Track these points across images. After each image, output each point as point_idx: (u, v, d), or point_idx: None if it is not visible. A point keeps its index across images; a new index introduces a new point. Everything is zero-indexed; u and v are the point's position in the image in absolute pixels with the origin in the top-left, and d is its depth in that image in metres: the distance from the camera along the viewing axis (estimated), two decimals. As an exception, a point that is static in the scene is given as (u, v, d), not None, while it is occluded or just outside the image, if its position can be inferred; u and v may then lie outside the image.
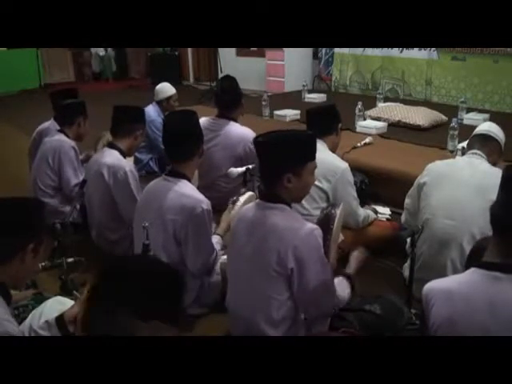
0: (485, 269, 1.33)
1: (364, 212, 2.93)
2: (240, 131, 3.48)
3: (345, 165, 2.80)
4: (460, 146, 3.43)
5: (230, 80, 3.58)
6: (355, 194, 2.85)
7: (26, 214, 1.53)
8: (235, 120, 3.55)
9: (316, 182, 2.35)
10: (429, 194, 2.48)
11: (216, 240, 2.57)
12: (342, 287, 2.11)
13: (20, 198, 1.56)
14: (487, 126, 2.60)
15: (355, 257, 2.30)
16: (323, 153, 2.41)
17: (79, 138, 3.59)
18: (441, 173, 2.51)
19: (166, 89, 4.54)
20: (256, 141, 2.00)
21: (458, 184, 2.40)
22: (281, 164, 1.92)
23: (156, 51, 9.72)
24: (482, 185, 2.25)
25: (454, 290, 1.35)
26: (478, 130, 2.59)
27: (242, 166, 3.19)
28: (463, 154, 2.69)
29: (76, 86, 4.88)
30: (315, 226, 1.95)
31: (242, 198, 2.66)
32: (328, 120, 2.86)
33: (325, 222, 2.15)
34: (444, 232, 2.38)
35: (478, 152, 2.47)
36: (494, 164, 2.48)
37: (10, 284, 1.55)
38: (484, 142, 2.51)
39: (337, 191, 2.72)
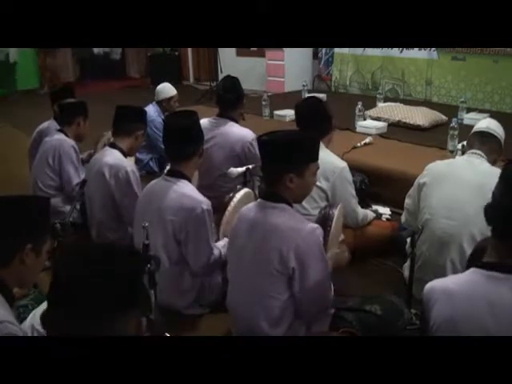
0: (484, 269, 1.33)
1: (363, 211, 2.93)
2: (238, 131, 3.49)
3: (343, 164, 2.79)
4: (460, 145, 3.43)
5: (232, 79, 3.59)
6: (354, 193, 2.84)
7: (19, 213, 1.51)
8: (235, 120, 3.55)
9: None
10: (429, 195, 2.48)
11: (224, 242, 2.55)
12: None
13: (16, 196, 1.54)
14: (486, 123, 2.58)
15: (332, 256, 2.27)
16: (322, 152, 2.40)
17: (79, 139, 3.59)
18: (441, 173, 2.50)
19: (167, 89, 4.54)
20: (260, 140, 2.01)
21: (458, 184, 2.40)
22: (284, 163, 1.93)
23: (156, 51, 9.71)
24: (482, 185, 2.25)
25: (454, 289, 1.35)
26: (477, 128, 2.58)
27: (241, 165, 3.19)
28: (463, 152, 2.68)
29: (76, 86, 4.89)
30: (316, 225, 1.96)
31: (238, 195, 2.66)
32: (323, 123, 2.80)
33: (322, 223, 2.15)
34: (444, 232, 2.37)
35: (478, 152, 2.46)
36: (494, 162, 2.48)
37: (14, 285, 1.54)
38: (484, 141, 2.49)
39: (336, 190, 2.72)
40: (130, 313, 1.08)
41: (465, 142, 2.74)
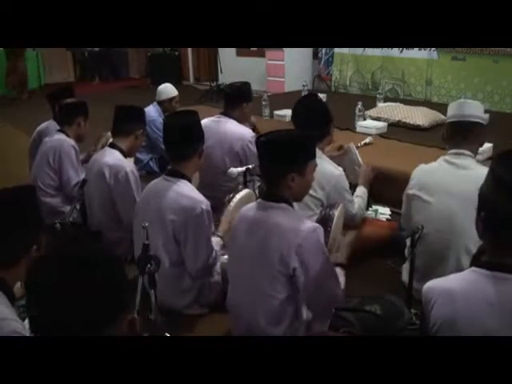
0: (484, 268, 1.32)
1: (358, 208, 2.84)
2: (237, 129, 3.54)
3: (339, 171, 2.73)
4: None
5: (243, 82, 3.72)
6: (351, 198, 2.79)
7: (23, 219, 1.50)
8: (236, 119, 3.59)
9: (310, 191, 2.30)
10: (420, 209, 2.41)
11: (216, 241, 2.57)
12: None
13: (12, 198, 1.52)
14: (462, 109, 2.27)
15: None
16: (317, 159, 2.37)
17: (79, 139, 3.59)
18: (427, 184, 2.38)
19: (168, 90, 4.54)
20: (259, 141, 2.00)
21: (448, 196, 2.28)
22: (285, 163, 1.93)
23: (156, 51, 9.71)
24: (472, 194, 2.06)
25: (454, 289, 1.35)
26: (452, 117, 2.31)
27: (241, 164, 3.22)
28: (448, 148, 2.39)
29: (76, 86, 4.89)
30: (317, 225, 1.96)
31: (239, 195, 2.66)
32: (322, 125, 2.75)
33: (322, 223, 2.14)
34: (438, 247, 2.32)
35: (461, 151, 2.29)
36: (481, 145, 2.32)
37: (14, 283, 1.55)
38: (464, 133, 2.26)
39: (331, 198, 2.66)
40: (114, 315, 1.06)
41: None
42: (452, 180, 2.30)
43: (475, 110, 2.30)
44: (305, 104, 2.90)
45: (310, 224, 1.94)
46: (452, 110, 2.36)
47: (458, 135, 2.31)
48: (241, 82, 3.75)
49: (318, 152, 2.65)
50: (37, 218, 1.55)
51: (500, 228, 1.30)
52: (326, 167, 2.67)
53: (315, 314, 2.05)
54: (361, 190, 2.98)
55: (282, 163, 1.93)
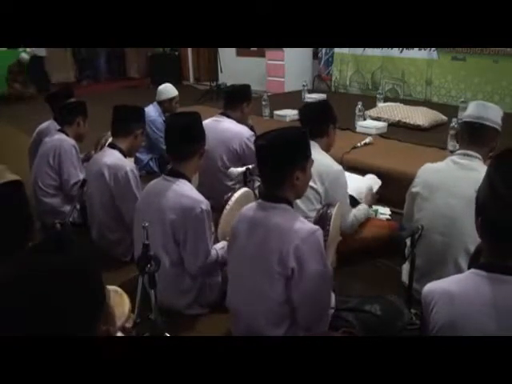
0: (484, 270, 1.32)
1: (352, 216, 2.84)
2: (234, 127, 3.60)
3: (338, 167, 2.74)
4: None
5: (243, 84, 3.80)
6: (347, 198, 2.80)
7: (12, 215, 1.50)
8: (236, 120, 3.62)
9: (311, 183, 2.30)
10: (422, 207, 2.41)
11: (222, 245, 2.54)
12: None
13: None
14: (476, 111, 2.29)
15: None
16: (318, 154, 2.34)
17: (79, 138, 3.60)
18: (432, 183, 2.38)
19: (168, 90, 4.55)
20: (258, 145, 1.97)
21: (450, 197, 2.28)
22: (290, 164, 1.93)
23: (156, 51, 9.72)
24: (473, 194, 2.02)
25: (453, 291, 1.34)
26: (466, 116, 2.32)
27: (239, 161, 3.26)
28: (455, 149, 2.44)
29: (75, 87, 4.89)
30: (317, 227, 1.94)
31: (236, 194, 2.65)
32: (318, 122, 2.76)
33: (321, 223, 2.14)
34: (438, 248, 2.31)
35: (469, 152, 2.29)
36: (491, 150, 2.31)
37: None
38: (474, 134, 2.26)
39: (329, 193, 2.67)
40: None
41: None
42: (455, 180, 2.31)
43: (490, 113, 2.28)
44: (311, 102, 2.96)
45: (310, 226, 1.92)
46: (469, 109, 2.35)
47: (468, 136, 2.31)
48: (242, 84, 3.81)
49: (317, 147, 2.67)
50: (26, 213, 1.54)
51: (497, 233, 1.29)
52: (325, 161, 2.68)
53: (302, 321, 1.96)
54: (363, 206, 2.97)
55: (286, 164, 1.92)
